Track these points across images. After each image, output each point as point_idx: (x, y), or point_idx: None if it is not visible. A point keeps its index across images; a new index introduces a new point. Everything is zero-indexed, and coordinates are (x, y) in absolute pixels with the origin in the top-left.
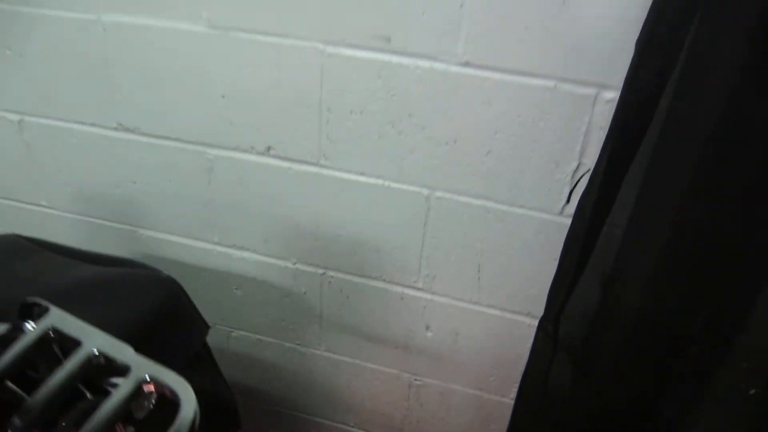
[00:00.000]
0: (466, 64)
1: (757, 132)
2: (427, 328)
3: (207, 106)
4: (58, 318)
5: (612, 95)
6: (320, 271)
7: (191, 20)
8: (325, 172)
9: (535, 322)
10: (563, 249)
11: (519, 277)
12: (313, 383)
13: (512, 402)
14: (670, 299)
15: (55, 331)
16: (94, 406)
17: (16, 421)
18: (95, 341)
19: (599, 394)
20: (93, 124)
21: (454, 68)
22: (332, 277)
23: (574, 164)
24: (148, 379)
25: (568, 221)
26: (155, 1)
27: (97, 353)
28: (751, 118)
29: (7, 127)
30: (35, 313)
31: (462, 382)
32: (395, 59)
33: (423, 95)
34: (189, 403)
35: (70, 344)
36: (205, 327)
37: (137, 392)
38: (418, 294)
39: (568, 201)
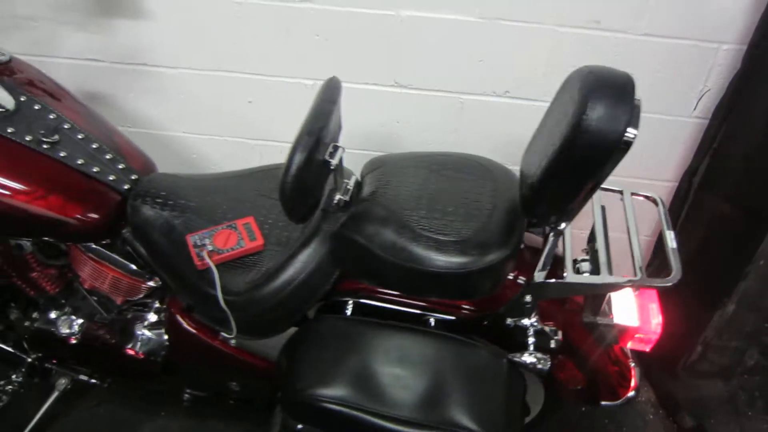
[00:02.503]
0: (646, 34)
1: None
2: None
3: (466, 68)
4: None
5: (727, 47)
6: None
7: (465, 13)
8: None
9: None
10: (704, 133)
11: (658, 153)
12: None
13: None
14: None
15: None
16: None
17: None
18: None
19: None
20: (375, 83)
21: (640, 37)
22: None
23: (701, 87)
24: None
25: (694, 120)
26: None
27: None
28: None
29: (302, 90)
30: None
31: None
32: (602, 33)
33: (616, 53)
34: None
35: None
36: None
37: None
38: None
39: (695, 108)
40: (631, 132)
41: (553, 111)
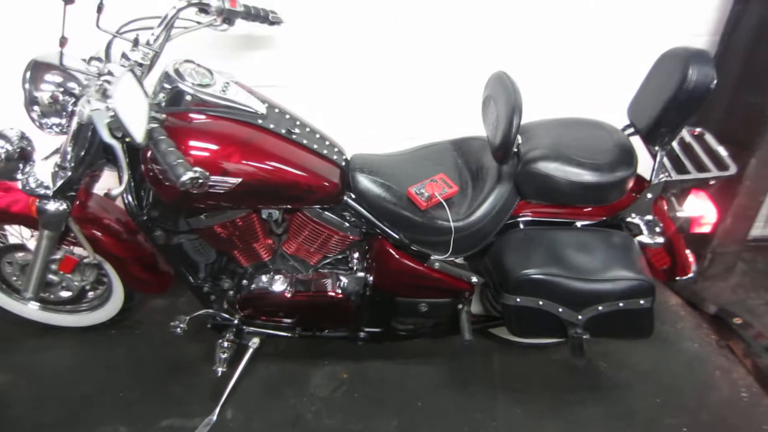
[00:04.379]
0: (654, 35)
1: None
2: None
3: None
4: None
5: (704, 39)
6: None
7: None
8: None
9: None
10: None
11: None
12: None
13: None
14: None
15: None
16: None
17: None
18: None
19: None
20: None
21: (651, 37)
22: None
23: None
24: None
25: None
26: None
27: None
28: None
29: (380, 97)
30: None
31: None
32: (628, 37)
33: (634, 46)
34: None
35: None
36: None
37: None
38: None
39: None
40: (714, 83)
41: (654, 77)
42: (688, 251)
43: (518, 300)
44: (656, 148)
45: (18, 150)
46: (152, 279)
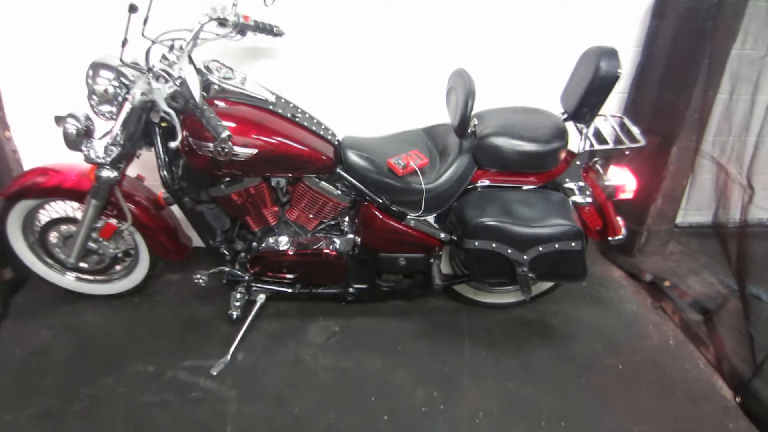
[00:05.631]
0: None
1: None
2: None
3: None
4: None
5: (631, 50)
6: None
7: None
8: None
9: None
10: (626, 99)
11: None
12: None
13: None
14: None
15: None
16: None
17: None
18: None
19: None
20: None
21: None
22: None
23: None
24: None
25: (618, 96)
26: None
27: None
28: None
29: (368, 93)
30: None
31: None
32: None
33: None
34: None
35: None
36: None
37: None
38: None
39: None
40: (620, 72)
41: (578, 70)
42: (619, 218)
43: (476, 244)
44: (581, 125)
45: (84, 128)
46: (174, 247)
